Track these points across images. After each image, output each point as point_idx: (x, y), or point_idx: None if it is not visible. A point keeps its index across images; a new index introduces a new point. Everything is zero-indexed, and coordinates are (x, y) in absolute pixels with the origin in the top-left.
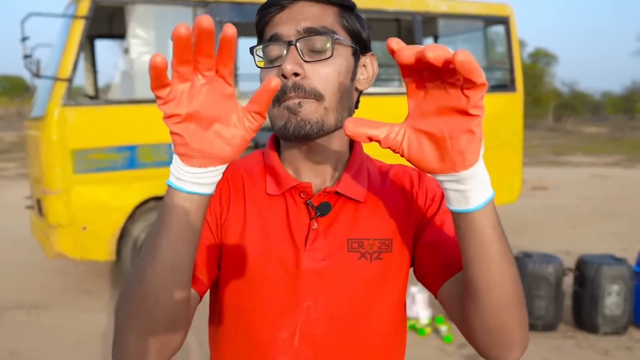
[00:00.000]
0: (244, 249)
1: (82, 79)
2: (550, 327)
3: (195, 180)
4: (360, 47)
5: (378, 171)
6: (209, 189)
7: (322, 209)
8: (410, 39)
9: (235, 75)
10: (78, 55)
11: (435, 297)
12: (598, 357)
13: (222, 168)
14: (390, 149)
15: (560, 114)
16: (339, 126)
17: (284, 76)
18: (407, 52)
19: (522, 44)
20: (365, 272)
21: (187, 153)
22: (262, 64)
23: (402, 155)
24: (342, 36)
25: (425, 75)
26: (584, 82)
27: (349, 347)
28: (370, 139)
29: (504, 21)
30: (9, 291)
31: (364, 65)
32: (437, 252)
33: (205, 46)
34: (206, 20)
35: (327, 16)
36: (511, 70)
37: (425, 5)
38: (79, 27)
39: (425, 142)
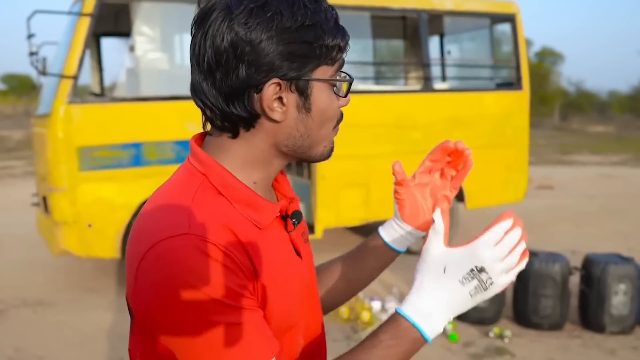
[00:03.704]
0: (281, 298)
1: (88, 78)
2: (557, 327)
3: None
4: None
5: None
6: None
7: (297, 217)
8: (415, 37)
9: None
10: (84, 53)
11: None
12: (604, 357)
13: None
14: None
15: (567, 113)
16: None
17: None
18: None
19: (528, 43)
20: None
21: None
22: (344, 88)
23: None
24: None
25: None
26: (590, 81)
27: (321, 327)
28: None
29: (510, 19)
30: (14, 288)
31: None
32: None
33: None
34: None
35: None
36: (517, 68)
37: (431, 3)
38: (85, 24)
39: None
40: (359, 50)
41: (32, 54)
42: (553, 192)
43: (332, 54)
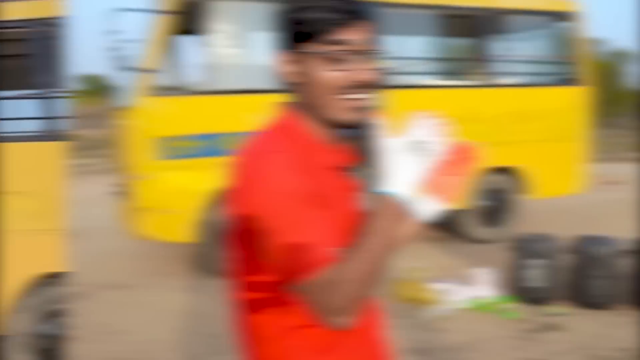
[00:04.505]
0: None
1: (168, 75)
2: (608, 306)
3: None
4: None
5: None
6: None
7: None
8: (480, 34)
9: None
10: (165, 49)
11: None
12: None
13: None
14: None
15: None
16: None
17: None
18: None
19: (600, 43)
20: None
21: None
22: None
23: None
24: None
25: None
26: None
27: None
28: None
29: (570, 16)
30: (98, 274)
31: None
32: None
33: None
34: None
35: None
36: (578, 65)
37: (496, 2)
38: (167, 21)
39: None
40: (427, 47)
41: (114, 50)
42: (620, 187)
43: (323, 33)
